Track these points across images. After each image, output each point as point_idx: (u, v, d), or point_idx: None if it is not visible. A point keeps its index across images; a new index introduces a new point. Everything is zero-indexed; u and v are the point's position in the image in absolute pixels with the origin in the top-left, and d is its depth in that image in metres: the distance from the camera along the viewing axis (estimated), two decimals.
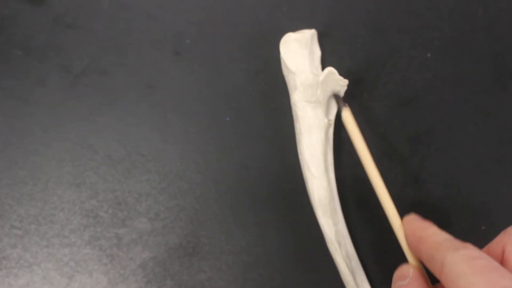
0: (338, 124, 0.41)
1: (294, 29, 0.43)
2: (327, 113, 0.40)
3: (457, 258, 0.25)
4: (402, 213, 0.35)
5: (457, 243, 0.27)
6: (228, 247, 0.40)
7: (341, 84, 0.39)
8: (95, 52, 0.44)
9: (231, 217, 0.41)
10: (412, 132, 0.42)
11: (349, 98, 0.42)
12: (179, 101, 0.43)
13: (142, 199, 0.41)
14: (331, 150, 0.40)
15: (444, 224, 0.32)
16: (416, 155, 0.42)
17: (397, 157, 0.42)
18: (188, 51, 0.45)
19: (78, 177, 0.42)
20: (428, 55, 0.45)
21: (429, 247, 0.28)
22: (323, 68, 0.42)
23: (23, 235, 0.40)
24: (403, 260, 0.34)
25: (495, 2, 0.46)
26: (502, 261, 0.29)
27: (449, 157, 0.42)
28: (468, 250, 0.26)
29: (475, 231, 0.40)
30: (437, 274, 0.27)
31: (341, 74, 0.39)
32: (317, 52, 0.42)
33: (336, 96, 0.40)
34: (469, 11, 0.46)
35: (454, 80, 0.44)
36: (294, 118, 0.40)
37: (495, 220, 0.40)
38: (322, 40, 0.44)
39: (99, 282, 0.39)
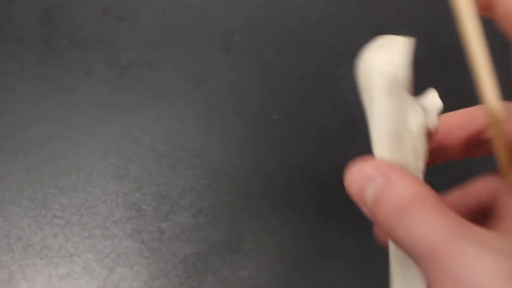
0: None
1: (344, 30, 0.43)
2: None
3: None
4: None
5: None
6: (270, 246, 0.40)
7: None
8: (143, 45, 0.45)
9: (274, 215, 0.41)
10: None
11: None
12: (226, 97, 0.43)
13: (186, 194, 0.41)
14: None
15: None
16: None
17: None
18: (237, 48, 0.45)
19: (122, 169, 0.42)
20: None
21: None
22: None
23: (65, 225, 0.40)
24: None
25: None
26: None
27: None
28: None
29: None
30: None
31: None
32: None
33: None
34: None
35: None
36: None
37: None
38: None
39: (140, 275, 0.39)
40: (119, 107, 0.43)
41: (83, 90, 0.43)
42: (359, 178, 0.20)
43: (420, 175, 0.22)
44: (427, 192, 0.18)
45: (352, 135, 0.42)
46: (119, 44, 0.45)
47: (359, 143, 0.42)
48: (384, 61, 0.22)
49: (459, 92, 0.44)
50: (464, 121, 0.23)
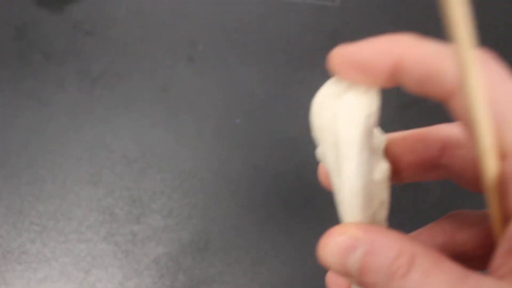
0: None
1: (302, 36, 0.45)
2: None
3: None
4: (401, 217, 0.37)
5: None
6: (238, 243, 0.42)
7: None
8: (112, 57, 0.47)
9: (241, 214, 0.42)
10: None
11: None
12: (192, 103, 0.46)
13: (156, 197, 0.43)
14: None
15: None
16: None
17: None
18: (200, 57, 0.47)
19: (95, 175, 0.44)
20: None
21: None
22: None
23: (41, 231, 0.42)
24: None
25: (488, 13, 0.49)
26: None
27: None
28: None
29: None
30: None
31: None
32: None
33: None
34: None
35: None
36: None
37: None
38: (328, 47, 0.47)
39: (115, 276, 0.41)
40: (91, 116, 0.45)
41: (56, 101, 0.45)
42: (338, 249, 0.18)
43: (385, 223, 0.21)
44: (414, 248, 0.17)
45: (310, 136, 0.44)
46: (90, 57, 0.47)
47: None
48: (358, 111, 0.19)
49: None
50: (417, 144, 0.21)
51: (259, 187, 0.43)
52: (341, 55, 0.17)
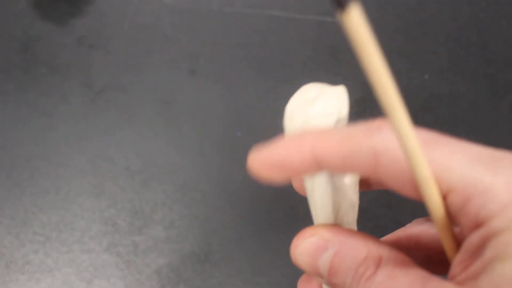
0: None
1: (302, 52, 0.46)
2: None
3: None
4: (402, 222, 0.38)
5: None
6: (238, 254, 0.42)
7: None
8: (115, 71, 0.48)
9: (242, 225, 0.43)
10: None
11: (353, 115, 0.45)
12: (194, 116, 0.46)
13: (158, 208, 0.44)
14: None
15: None
16: None
17: None
18: (202, 70, 0.48)
19: (98, 187, 0.44)
20: (426, 76, 0.48)
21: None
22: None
23: (45, 241, 0.43)
24: None
25: (488, 28, 0.50)
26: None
27: None
28: None
29: None
30: None
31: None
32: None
33: None
34: (464, 36, 0.50)
35: (450, 100, 0.47)
36: None
37: None
38: (328, 62, 0.47)
39: (116, 286, 0.42)
40: (94, 129, 0.46)
41: (60, 114, 0.46)
42: (308, 250, 0.19)
43: (355, 223, 0.22)
44: (381, 251, 0.18)
45: None
46: (93, 70, 0.47)
47: None
48: (329, 118, 0.20)
49: (407, 105, 0.47)
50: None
51: (260, 199, 0.44)
52: (258, 159, 0.18)
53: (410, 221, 0.38)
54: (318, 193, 0.21)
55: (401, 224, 0.40)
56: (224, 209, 0.43)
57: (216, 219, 0.43)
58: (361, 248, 0.18)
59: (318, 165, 0.18)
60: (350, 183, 0.22)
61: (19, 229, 0.43)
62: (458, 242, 0.18)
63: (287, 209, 0.43)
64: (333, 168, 0.18)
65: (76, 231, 0.43)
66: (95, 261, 0.42)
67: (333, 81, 0.47)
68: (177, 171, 0.45)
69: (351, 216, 0.22)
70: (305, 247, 0.19)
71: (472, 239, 0.16)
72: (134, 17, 0.49)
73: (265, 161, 0.18)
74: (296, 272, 0.41)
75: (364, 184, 0.23)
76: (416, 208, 0.43)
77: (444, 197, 0.17)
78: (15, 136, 0.45)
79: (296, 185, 0.24)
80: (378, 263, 0.18)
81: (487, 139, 0.46)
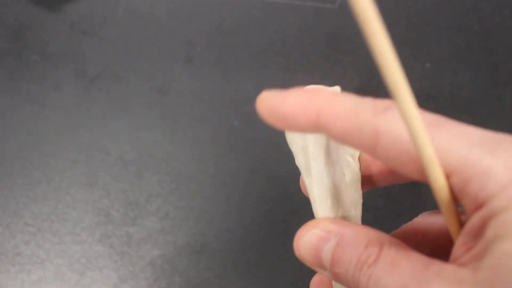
0: None
1: (300, 39, 0.45)
2: None
3: None
4: (401, 213, 0.37)
5: None
6: (234, 246, 0.42)
7: None
8: (109, 58, 0.46)
9: (238, 217, 0.42)
10: None
11: None
12: (190, 106, 0.45)
13: (152, 199, 0.43)
14: None
15: None
16: None
17: None
18: (198, 59, 0.47)
19: (91, 177, 0.43)
20: (427, 65, 0.47)
21: None
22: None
23: (36, 232, 0.42)
24: None
25: (490, 17, 0.49)
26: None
27: None
28: None
29: None
30: None
31: (344, 83, 0.41)
32: None
33: None
34: (466, 25, 0.49)
35: (451, 89, 0.46)
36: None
37: None
38: (327, 50, 0.47)
39: (110, 278, 0.41)
40: (88, 118, 0.45)
41: (53, 103, 0.45)
42: (311, 242, 0.20)
43: (359, 221, 0.23)
44: (382, 239, 0.18)
45: None
46: (86, 58, 0.46)
47: None
48: None
49: None
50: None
51: (256, 190, 0.43)
52: (266, 104, 0.19)
53: (409, 213, 0.38)
54: (315, 187, 0.22)
55: (400, 215, 0.40)
56: (220, 200, 0.43)
57: (211, 211, 0.42)
58: (362, 237, 0.18)
59: (320, 129, 0.18)
60: (351, 180, 0.22)
61: (10, 220, 0.42)
62: (463, 226, 0.18)
63: (284, 200, 0.43)
64: (333, 137, 0.18)
65: (68, 222, 0.42)
66: (87, 252, 0.41)
67: (332, 69, 0.47)
68: (172, 161, 0.44)
69: (352, 213, 0.22)
70: (308, 239, 0.20)
71: (473, 221, 0.16)
72: (129, 3, 0.48)
73: (271, 108, 0.18)
74: (293, 264, 0.41)
75: (367, 183, 0.23)
76: (415, 199, 0.43)
77: (447, 179, 0.17)
78: (6, 125, 0.44)
79: (303, 187, 0.24)
80: (380, 250, 0.18)
81: (489, 128, 0.45)
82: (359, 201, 0.22)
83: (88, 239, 0.42)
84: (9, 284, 0.41)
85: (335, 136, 0.18)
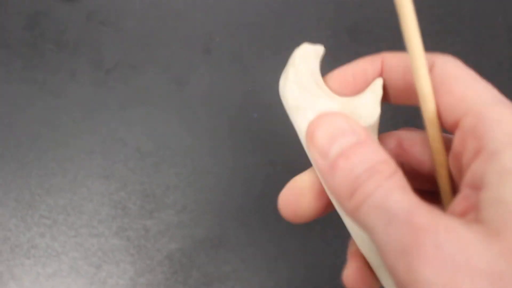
0: None
1: (320, 31, 0.45)
2: None
3: None
4: None
5: None
6: (253, 240, 0.41)
7: None
8: (126, 49, 0.46)
9: (257, 210, 0.42)
10: None
11: None
12: (208, 97, 0.45)
13: (170, 192, 0.42)
14: None
15: None
16: None
17: None
18: (217, 50, 0.46)
19: (107, 169, 0.43)
20: None
21: None
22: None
23: (51, 225, 0.41)
24: None
25: None
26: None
27: None
28: None
29: None
30: None
31: None
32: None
33: None
34: (490, 17, 0.48)
35: None
36: None
37: None
38: (347, 42, 0.46)
39: (126, 272, 0.40)
40: (104, 109, 0.44)
41: (68, 93, 0.44)
42: (329, 128, 0.18)
43: None
44: (398, 168, 0.17)
45: None
46: (103, 47, 0.46)
47: None
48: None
49: None
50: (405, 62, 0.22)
51: (275, 184, 0.42)
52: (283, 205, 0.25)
53: None
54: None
55: None
56: (238, 193, 0.42)
57: (230, 204, 0.42)
58: (383, 153, 0.18)
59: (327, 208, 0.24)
60: (369, 123, 0.22)
61: (25, 212, 0.41)
62: (454, 185, 0.20)
63: None
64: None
65: (84, 214, 0.42)
66: (104, 245, 0.41)
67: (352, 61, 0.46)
68: (190, 153, 0.43)
69: None
70: (325, 124, 0.19)
71: (473, 167, 0.17)
72: None
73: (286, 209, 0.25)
74: (312, 258, 0.40)
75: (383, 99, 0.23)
76: None
77: (457, 123, 0.19)
78: (21, 115, 0.44)
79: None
80: (395, 173, 0.17)
81: None
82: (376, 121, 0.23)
83: (104, 232, 0.41)
84: (24, 277, 0.40)
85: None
